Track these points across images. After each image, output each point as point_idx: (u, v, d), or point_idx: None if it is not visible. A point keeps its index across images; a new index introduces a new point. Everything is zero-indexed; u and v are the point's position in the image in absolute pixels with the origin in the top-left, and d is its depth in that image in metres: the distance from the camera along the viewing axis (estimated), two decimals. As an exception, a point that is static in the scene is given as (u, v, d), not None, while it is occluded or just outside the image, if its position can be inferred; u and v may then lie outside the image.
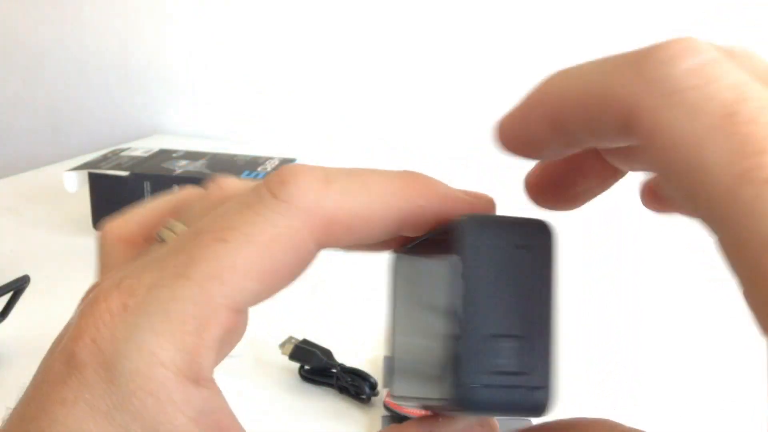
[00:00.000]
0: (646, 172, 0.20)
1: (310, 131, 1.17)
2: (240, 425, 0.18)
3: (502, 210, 0.20)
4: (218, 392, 0.18)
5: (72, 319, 0.18)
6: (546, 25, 1.03)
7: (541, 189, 0.22)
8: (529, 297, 0.18)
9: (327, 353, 0.49)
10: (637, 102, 0.15)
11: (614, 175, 0.21)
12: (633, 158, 0.19)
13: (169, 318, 0.17)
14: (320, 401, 0.47)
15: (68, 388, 0.17)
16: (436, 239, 0.19)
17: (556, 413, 0.18)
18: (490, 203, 0.21)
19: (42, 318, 0.55)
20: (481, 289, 0.17)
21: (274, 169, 0.77)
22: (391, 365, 0.21)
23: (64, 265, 0.67)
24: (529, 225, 0.18)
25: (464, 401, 0.17)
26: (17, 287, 0.50)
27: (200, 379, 0.17)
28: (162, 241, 0.21)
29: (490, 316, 0.17)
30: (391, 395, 0.20)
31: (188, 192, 0.23)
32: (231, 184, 0.22)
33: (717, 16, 0.97)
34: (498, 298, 0.18)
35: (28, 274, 0.51)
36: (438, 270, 0.19)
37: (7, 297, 0.50)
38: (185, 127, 1.24)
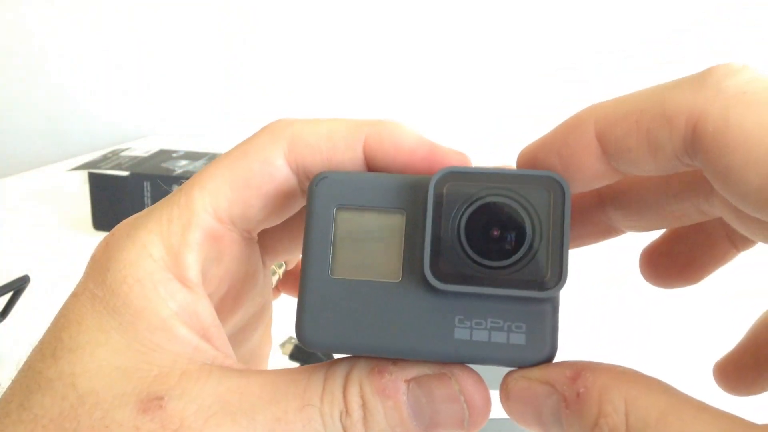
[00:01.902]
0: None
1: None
2: (224, 336, 0.20)
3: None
4: (204, 297, 0.20)
5: None
6: (546, 25, 1.03)
7: (660, 267, 0.23)
8: None
9: (327, 353, 0.49)
10: (703, 108, 0.16)
11: (729, 249, 0.22)
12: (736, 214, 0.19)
13: (160, 218, 0.20)
14: (320, 401, 0.47)
15: (81, 283, 0.20)
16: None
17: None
18: (462, 159, 0.21)
19: (42, 318, 0.55)
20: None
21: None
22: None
23: (64, 265, 0.67)
24: None
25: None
26: (17, 287, 0.50)
27: (186, 280, 0.19)
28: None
29: None
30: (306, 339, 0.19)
31: None
32: None
33: (717, 16, 0.97)
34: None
35: (28, 274, 0.51)
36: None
37: (7, 297, 0.50)
38: (185, 127, 1.24)
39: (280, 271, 0.29)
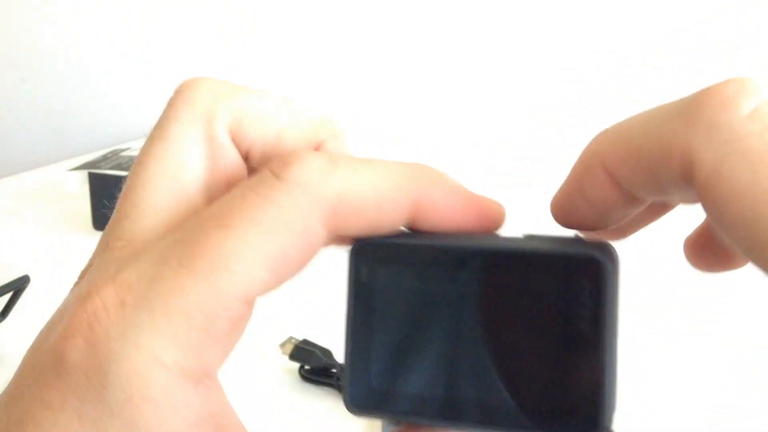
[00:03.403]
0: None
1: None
2: (243, 427, 0.17)
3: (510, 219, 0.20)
4: (220, 392, 0.17)
5: (60, 310, 0.17)
6: (546, 25, 1.03)
7: (702, 253, 0.21)
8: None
9: (327, 353, 0.49)
10: (697, 150, 0.15)
11: None
12: None
13: (172, 313, 0.15)
14: (320, 401, 0.47)
15: (55, 391, 0.15)
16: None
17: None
18: (500, 212, 0.19)
19: (42, 318, 0.55)
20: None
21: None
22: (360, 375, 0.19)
23: (64, 265, 0.66)
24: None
25: None
26: (17, 287, 0.50)
27: (202, 378, 0.16)
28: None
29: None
30: (357, 408, 0.19)
31: None
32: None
33: (717, 16, 0.97)
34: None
35: (28, 274, 0.51)
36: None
37: (7, 297, 0.50)
38: (185, 127, 1.24)
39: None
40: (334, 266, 0.63)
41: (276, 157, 0.18)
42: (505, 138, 1.09)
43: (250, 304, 0.16)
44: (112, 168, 0.72)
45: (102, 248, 0.19)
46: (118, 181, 0.71)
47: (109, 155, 0.78)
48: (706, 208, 0.15)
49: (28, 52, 1.27)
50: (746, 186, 0.14)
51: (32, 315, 0.53)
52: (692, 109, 0.15)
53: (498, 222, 0.19)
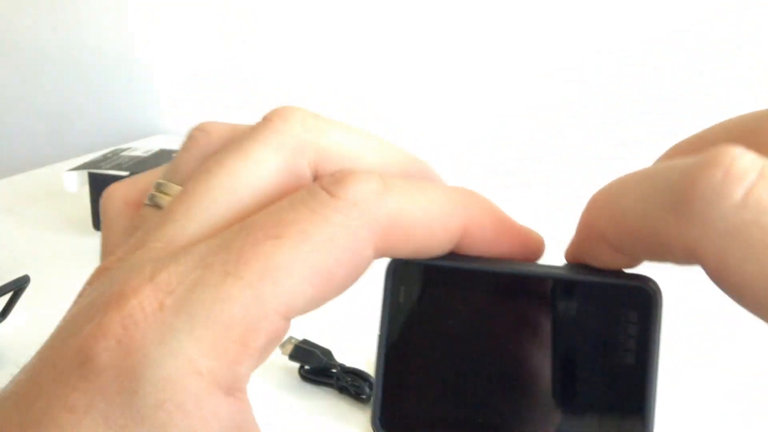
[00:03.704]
0: None
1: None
2: None
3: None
4: (247, 404, 0.16)
5: (85, 308, 0.16)
6: (547, 23, 1.03)
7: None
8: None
9: (327, 353, 0.49)
10: (698, 246, 0.14)
11: None
12: None
13: (214, 322, 0.15)
14: (320, 401, 0.47)
15: (80, 393, 0.15)
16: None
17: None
18: (541, 243, 0.19)
19: (42, 318, 0.55)
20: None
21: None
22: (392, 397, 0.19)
23: (64, 265, 0.67)
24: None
25: None
26: (17, 287, 0.50)
27: (233, 390, 0.15)
28: (154, 205, 0.20)
29: None
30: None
31: (184, 148, 0.21)
32: (216, 127, 0.20)
33: (717, 16, 0.97)
34: None
35: (28, 274, 0.51)
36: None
37: (7, 297, 0.50)
38: (185, 127, 1.24)
39: None
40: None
41: (328, 174, 0.17)
42: (504, 138, 1.09)
43: (289, 319, 0.16)
44: (112, 168, 0.72)
45: (134, 247, 0.18)
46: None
47: (109, 155, 0.78)
48: (722, 290, 0.15)
49: (28, 52, 1.27)
50: (758, 278, 0.14)
51: (32, 315, 0.54)
52: (684, 204, 0.15)
53: (538, 253, 0.19)
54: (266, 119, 0.19)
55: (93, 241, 0.72)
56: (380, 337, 0.18)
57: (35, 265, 0.60)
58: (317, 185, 0.17)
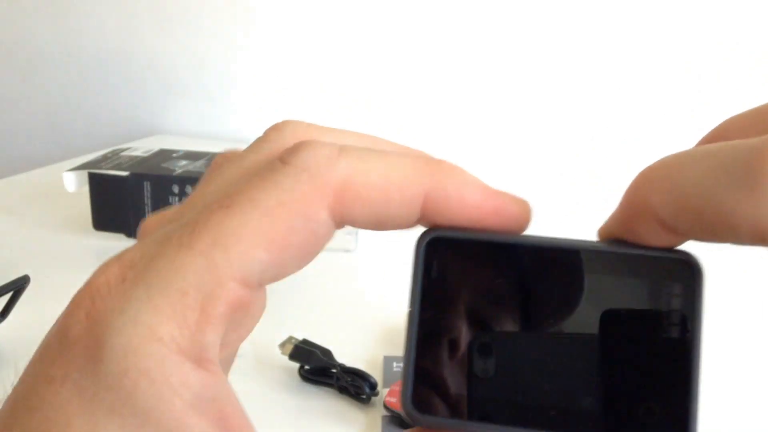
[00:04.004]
0: None
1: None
2: (247, 417, 0.17)
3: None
4: (222, 378, 0.16)
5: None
6: (548, 23, 1.03)
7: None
8: None
9: (327, 353, 0.49)
10: None
11: None
12: None
13: (170, 289, 0.15)
14: (320, 401, 0.47)
15: (57, 366, 0.15)
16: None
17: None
18: (525, 209, 0.18)
19: (42, 318, 0.55)
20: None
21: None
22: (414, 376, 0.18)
23: (64, 265, 0.67)
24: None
25: None
26: (17, 287, 0.50)
27: (202, 361, 0.16)
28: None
29: None
30: (413, 413, 0.17)
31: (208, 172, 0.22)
32: (234, 153, 0.21)
33: (718, 15, 0.97)
34: None
35: (28, 274, 0.51)
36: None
37: (7, 297, 0.50)
38: (185, 127, 1.24)
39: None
40: (334, 267, 0.63)
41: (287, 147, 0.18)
42: (505, 137, 1.09)
43: (249, 286, 0.16)
44: (112, 168, 0.72)
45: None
46: (118, 181, 0.71)
47: (109, 155, 0.78)
48: None
49: (28, 52, 1.27)
50: None
51: (32, 315, 0.53)
52: (752, 178, 0.14)
53: (522, 219, 0.18)
54: (264, 133, 0.20)
55: (93, 241, 0.72)
56: (411, 314, 0.18)
57: (35, 265, 0.60)
58: (273, 156, 0.17)
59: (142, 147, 0.83)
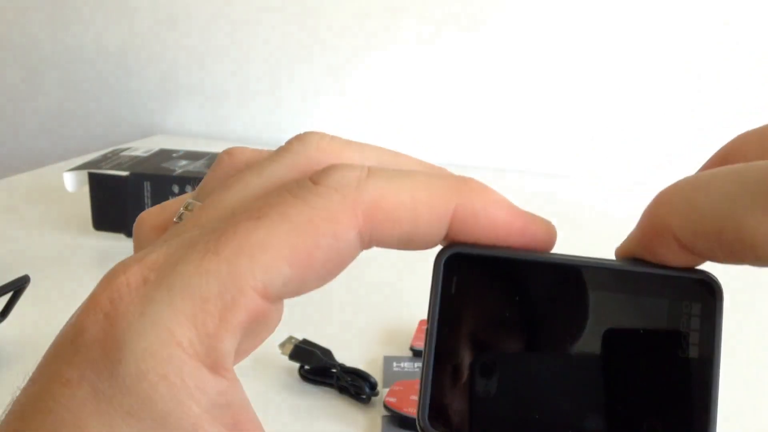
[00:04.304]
0: None
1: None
2: (260, 425, 0.17)
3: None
4: (237, 384, 0.16)
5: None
6: (549, 22, 1.03)
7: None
8: None
9: (327, 353, 0.49)
10: None
11: None
12: None
13: (191, 294, 0.15)
14: (320, 401, 0.47)
15: (73, 366, 0.15)
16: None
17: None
18: (550, 231, 0.19)
19: (42, 318, 0.55)
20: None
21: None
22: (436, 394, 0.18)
23: (64, 265, 0.67)
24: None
25: None
26: (17, 287, 0.50)
27: (218, 367, 0.16)
28: (179, 221, 0.20)
29: None
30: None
31: (211, 170, 0.22)
32: (241, 151, 0.21)
33: (718, 15, 0.97)
34: None
35: (28, 274, 0.51)
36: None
37: (7, 297, 0.50)
38: (185, 127, 1.24)
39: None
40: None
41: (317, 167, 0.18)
42: (506, 135, 1.09)
43: (269, 299, 0.16)
44: (112, 168, 0.72)
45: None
46: (118, 181, 0.71)
47: (109, 155, 0.78)
48: None
49: (28, 52, 1.27)
50: None
51: (32, 315, 0.54)
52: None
53: (547, 241, 0.18)
54: (287, 143, 0.20)
55: (93, 241, 0.72)
56: (428, 331, 0.18)
57: (35, 265, 0.60)
58: (304, 175, 0.18)
59: (142, 147, 0.83)
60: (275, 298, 0.16)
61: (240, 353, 0.17)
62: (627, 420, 0.17)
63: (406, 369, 0.50)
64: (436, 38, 1.07)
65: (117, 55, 1.23)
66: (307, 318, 0.57)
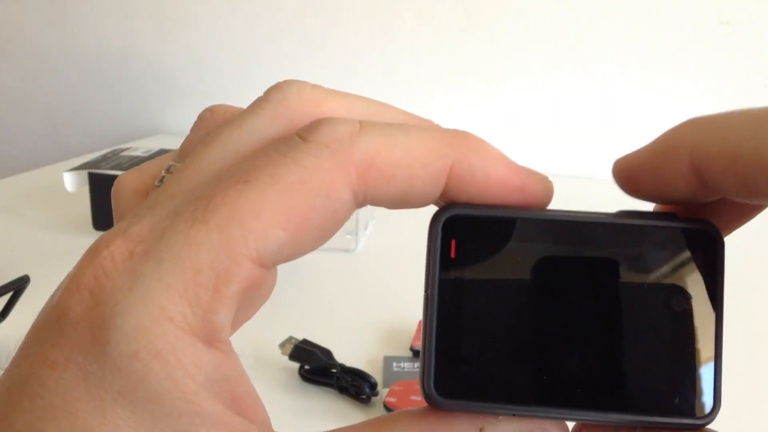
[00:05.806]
0: None
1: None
2: (258, 397, 0.16)
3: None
4: (234, 357, 0.16)
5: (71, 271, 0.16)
6: (549, 22, 1.03)
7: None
8: None
9: (327, 353, 0.49)
10: None
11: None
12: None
13: (182, 267, 0.14)
14: (320, 401, 0.47)
15: (59, 348, 0.14)
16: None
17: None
18: (548, 186, 0.18)
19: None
20: None
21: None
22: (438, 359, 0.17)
23: (64, 265, 0.66)
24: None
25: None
26: (17, 287, 0.50)
27: (214, 341, 0.15)
28: (161, 185, 0.19)
29: None
30: (436, 397, 0.17)
31: (192, 129, 0.21)
32: (224, 108, 0.20)
33: (718, 15, 0.97)
34: None
35: (28, 274, 0.51)
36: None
37: (7, 297, 0.50)
38: (185, 127, 1.24)
39: None
40: (334, 266, 0.63)
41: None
42: (506, 132, 1.09)
43: (264, 266, 0.15)
44: (112, 168, 0.72)
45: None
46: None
47: (109, 155, 0.78)
48: None
49: (28, 52, 1.27)
50: None
51: (32, 315, 0.53)
52: None
53: (545, 197, 0.18)
54: (265, 93, 0.19)
55: (93, 241, 0.72)
56: (429, 296, 0.17)
57: (35, 265, 0.60)
58: (293, 132, 0.16)
59: (142, 147, 0.83)
60: (270, 264, 0.15)
61: (234, 324, 0.16)
62: (634, 375, 0.17)
63: (406, 369, 0.50)
64: (434, 37, 1.08)
65: (117, 56, 1.23)
66: (307, 318, 0.57)
